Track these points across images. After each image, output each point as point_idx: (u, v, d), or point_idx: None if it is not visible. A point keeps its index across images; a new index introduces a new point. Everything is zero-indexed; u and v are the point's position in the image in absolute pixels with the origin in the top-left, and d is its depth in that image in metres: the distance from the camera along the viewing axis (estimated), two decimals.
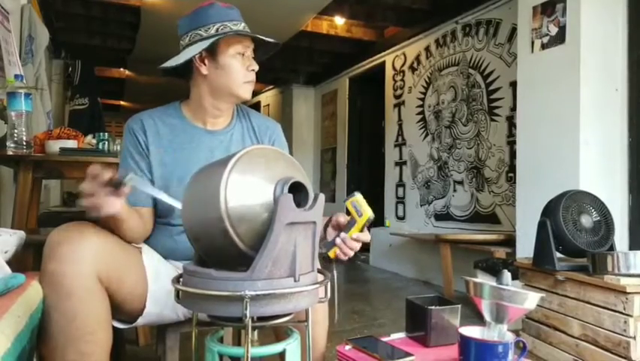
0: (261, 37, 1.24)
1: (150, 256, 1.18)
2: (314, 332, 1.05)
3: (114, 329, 1.06)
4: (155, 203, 1.23)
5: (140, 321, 1.14)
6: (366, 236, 1.09)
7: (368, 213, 1.06)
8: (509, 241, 3.10)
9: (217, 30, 1.20)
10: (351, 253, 1.08)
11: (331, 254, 1.07)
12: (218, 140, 1.30)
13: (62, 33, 4.94)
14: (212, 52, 1.22)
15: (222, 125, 1.33)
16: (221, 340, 0.87)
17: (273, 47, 1.32)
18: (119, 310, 1.09)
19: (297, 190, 0.77)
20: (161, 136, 1.26)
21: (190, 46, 1.22)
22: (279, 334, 1.03)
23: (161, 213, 1.24)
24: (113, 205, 0.97)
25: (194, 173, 0.86)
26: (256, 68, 1.27)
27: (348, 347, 1.14)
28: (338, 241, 1.07)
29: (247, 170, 0.75)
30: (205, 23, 1.21)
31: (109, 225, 1.08)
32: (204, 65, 1.24)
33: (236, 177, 0.74)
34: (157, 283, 1.13)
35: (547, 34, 2.61)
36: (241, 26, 1.24)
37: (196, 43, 1.21)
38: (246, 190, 0.74)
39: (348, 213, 1.10)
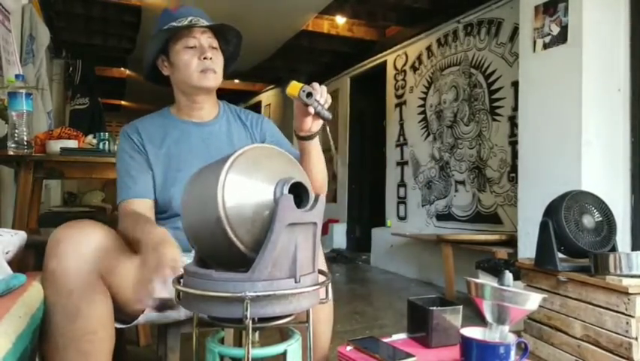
0: (194, 25, 1.27)
1: None
2: (317, 331, 1.05)
3: (115, 328, 1.06)
4: (155, 197, 1.28)
5: (142, 319, 1.14)
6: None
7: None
8: (511, 242, 3.09)
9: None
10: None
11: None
12: (207, 130, 1.36)
13: (63, 33, 4.95)
14: (166, 54, 1.32)
15: (209, 117, 1.39)
16: (222, 341, 0.87)
17: (233, 35, 1.35)
18: (120, 308, 1.09)
19: (297, 190, 0.76)
20: (154, 135, 1.33)
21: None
22: (284, 334, 1.02)
23: (159, 209, 1.29)
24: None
25: (193, 174, 0.86)
26: (209, 55, 1.28)
27: (349, 348, 1.13)
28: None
29: (245, 170, 0.75)
30: (156, 33, 1.31)
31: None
32: (165, 66, 1.34)
33: (233, 177, 0.73)
34: None
35: (549, 34, 2.61)
36: (187, 21, 1.28)
37: (152, 46, 1.32)
38: (244, 190, 0.74)
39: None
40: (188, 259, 1.21)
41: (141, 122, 1.36)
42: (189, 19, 1.29)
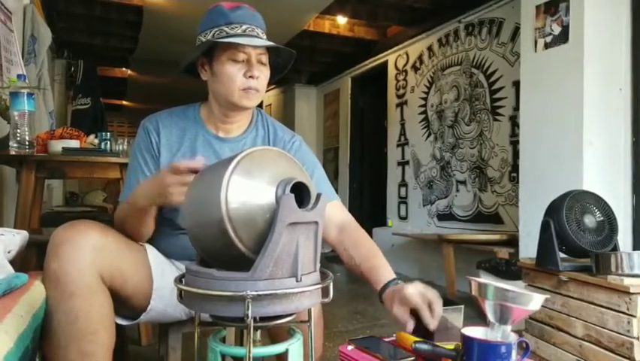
0: (248, 44, 1.14)
1: (155, 254, 1.18)
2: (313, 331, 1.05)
3: (117, 328, 1.06)
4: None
5: (144, 317, 1.14)
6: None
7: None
8: (512, 241, 3.09)
9: (213, 36, 1.16)
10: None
11: None
12: (229, 148, 1.25)
13: (65, 33, 4.95)
14: (210, 58, 1.19)
15: (236, 133, 1.28)
16: (223, 340, 0.87)
17: (287, 53, 1.24)
18: (123, 306, 1.09)
19: (299, 191, 0.76)
20: (172, 139, 1.24)
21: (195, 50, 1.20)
22: (275, 336, 1.03)
23: (165, 214, 1.22)
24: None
25: (197, 174, 0.86)
26: (257, 74, 1.17)
27: (350, 348, 1.13)
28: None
29: (248, 171, 0.75)
30: (205, 28, 1.18)
31: (142, 217, 1.10)
32: (205, 70, 1.22)
33: (237, 178, 0.74)
34: (162, 280, 1.13)
35: (550, 34, 2.60)
36: (241, 29, 1.16)
37: (198, 48, 1.19)
38: (248, 192, 0.74)
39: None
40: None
41: (163, 120, 1.25)
42: (244, 27, 1.16)
